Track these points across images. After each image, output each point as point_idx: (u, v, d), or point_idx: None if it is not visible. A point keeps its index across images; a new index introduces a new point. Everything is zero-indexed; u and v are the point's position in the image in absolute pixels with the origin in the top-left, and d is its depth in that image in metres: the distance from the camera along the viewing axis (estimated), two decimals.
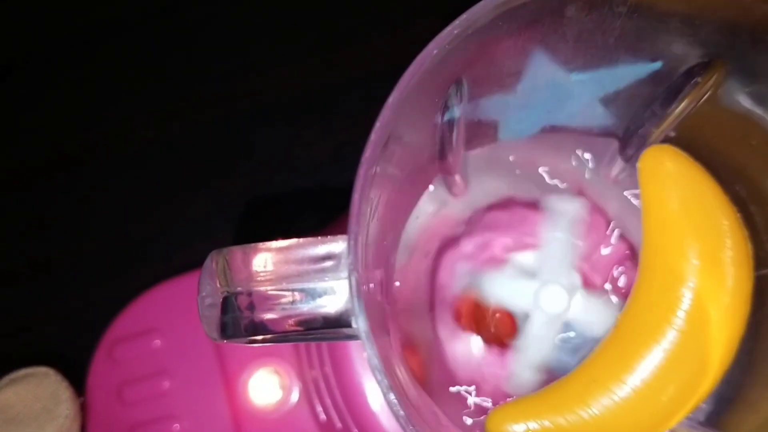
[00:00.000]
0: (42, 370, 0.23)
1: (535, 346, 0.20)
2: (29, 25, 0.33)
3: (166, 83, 0.32)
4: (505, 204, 0.23)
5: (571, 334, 0.20)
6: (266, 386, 0.25)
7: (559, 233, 0.21)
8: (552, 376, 0.20)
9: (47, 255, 0.30)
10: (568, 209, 0.21)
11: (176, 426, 0.25)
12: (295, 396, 0.25)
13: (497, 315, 0.21)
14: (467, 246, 0.22)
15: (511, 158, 0.21)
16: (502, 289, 0.20)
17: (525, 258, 0.22)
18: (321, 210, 0.30)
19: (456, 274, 0.21)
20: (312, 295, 0.13)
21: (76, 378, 0.25)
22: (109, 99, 0.32)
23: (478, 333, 0.21)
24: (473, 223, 0.23)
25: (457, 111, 0.16)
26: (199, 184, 0.31)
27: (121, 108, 0.32)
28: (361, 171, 0.13)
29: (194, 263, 0.29)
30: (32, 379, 0.23)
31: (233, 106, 0.31)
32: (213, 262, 0.14)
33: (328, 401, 0.24)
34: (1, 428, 0.21)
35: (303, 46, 0.32)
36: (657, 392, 0.18)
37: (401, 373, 0.17)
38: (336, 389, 0.23)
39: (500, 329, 0.21)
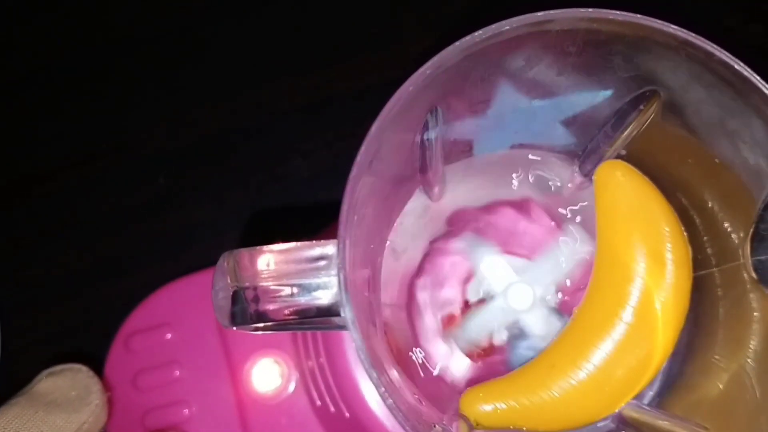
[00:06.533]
0: (76, 366, 0.26)
1: (479, 324, 0.21)
2: (47, 38, 0.34)
3: (176, 94, 0.34)
4: (486, 208, 0.25)
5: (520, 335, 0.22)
6: (267, 375, 0.26)
7: (561, 254, 0.23)
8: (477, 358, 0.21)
9: (66, 257, 0.32)
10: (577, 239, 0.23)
11: (186, 410, 0.27)
12: (293, 384, 0.26)
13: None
14: (447, 249, 0.24)
15: (484, 168, 0.23)
16: (491, 269, 0.22)
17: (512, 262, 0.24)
18: (318, 215, 0.31)
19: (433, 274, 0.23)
20: (308, 289, 0.16)
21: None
22: (124, 109, 0.33)
23: None
24: (453, 226, 0.25)
25: (433, 133, 0.19)
26: (206, 191, 0.32)
27: (134, 117, 0.33)
28: (348, 187, 0.15)
29: (201, 263, 0.31)
30: (68, 373, 0.25)
31: (237, 117, 0.33)
32: (225, 261, 0.16)
33: (322, 388, 0.25)
34: (42, 410, 0.24)
35: (305, 60, 0.34)
36: (609, 376, 0.19)
37: (385, 359, 0.19)
38: (330, 377, 0.25)
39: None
